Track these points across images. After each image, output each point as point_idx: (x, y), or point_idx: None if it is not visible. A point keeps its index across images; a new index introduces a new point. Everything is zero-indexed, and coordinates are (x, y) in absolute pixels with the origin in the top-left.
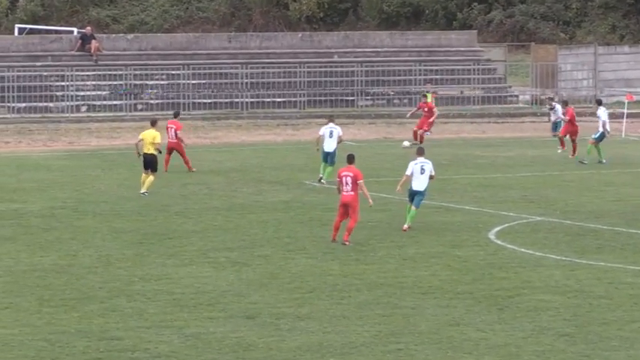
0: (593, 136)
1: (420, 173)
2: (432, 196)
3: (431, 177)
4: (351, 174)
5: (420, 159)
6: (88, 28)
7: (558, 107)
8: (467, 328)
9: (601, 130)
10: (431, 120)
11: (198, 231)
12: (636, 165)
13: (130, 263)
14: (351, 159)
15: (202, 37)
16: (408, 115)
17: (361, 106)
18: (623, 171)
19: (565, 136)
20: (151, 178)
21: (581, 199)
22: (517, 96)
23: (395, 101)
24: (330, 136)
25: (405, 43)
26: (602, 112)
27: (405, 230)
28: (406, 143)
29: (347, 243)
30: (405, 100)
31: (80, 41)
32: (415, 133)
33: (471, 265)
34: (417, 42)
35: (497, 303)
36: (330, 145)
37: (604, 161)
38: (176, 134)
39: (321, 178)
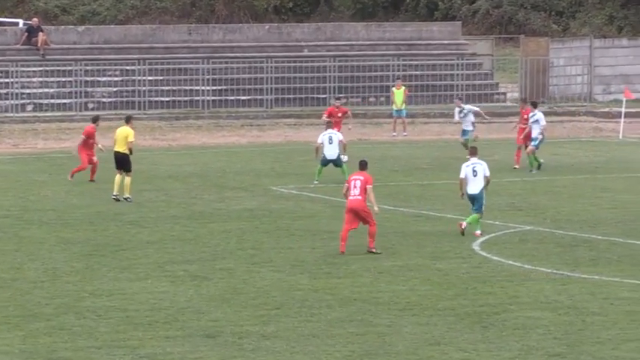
0: (532, 144)
1: (472, 176)
2: (411, 203)
3: (487, 181)
4: (362, 177)
5: (473, 159)
6: (35, 19)
7: (470, 110)
8: (448, 348)
9: (540, 135)
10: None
11: (155, 242)
12: (635, 169)
13: (79, 277)
14: (363, 165)
15: (160, 29)
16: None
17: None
18: (620, 176)
19: (524, 144)
20: (128, 179)
21: (574, 207)
22: (505, 94)
23: (371, 99)
24: (330, 142)
25: (383, 35)
26: (541, 116)
27: (477, 235)
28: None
29: (374, 250)
30: (382, 99)
31: (26, 34)
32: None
33: (453, 279)
34: (396, 34)
35: (481, 320)
36: (331, 152)
37: (534, 171)
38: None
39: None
